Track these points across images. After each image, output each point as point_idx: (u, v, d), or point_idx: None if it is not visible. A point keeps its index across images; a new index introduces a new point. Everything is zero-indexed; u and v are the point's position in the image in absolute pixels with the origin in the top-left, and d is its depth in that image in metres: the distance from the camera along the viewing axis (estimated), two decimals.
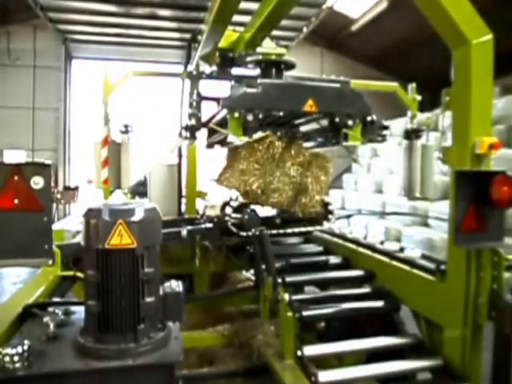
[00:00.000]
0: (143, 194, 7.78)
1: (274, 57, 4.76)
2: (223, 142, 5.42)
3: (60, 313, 2.61)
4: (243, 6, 4.21)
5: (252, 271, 4.78)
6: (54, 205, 17.08)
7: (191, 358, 4.40)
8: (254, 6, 4.51)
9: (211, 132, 5.27)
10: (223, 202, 5.13)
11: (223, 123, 4.46)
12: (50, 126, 20.81)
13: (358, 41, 20.83)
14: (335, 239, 5.00)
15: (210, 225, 4.75)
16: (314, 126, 5.04)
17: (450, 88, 3.12)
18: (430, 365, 3.29)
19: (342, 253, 4.69)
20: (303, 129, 5.20)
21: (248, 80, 4.33)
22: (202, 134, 5.27)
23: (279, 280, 3.76)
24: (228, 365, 4.01)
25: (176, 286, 2.45)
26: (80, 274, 3.56)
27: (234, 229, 4.56)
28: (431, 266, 3.48)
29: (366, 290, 4.11)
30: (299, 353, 3.22)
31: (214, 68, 5.07)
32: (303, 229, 4.92)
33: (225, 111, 4.22)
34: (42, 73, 20.52)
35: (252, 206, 4.81)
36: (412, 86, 6.36)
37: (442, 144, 3.28)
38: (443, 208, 11.11)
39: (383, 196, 14.90)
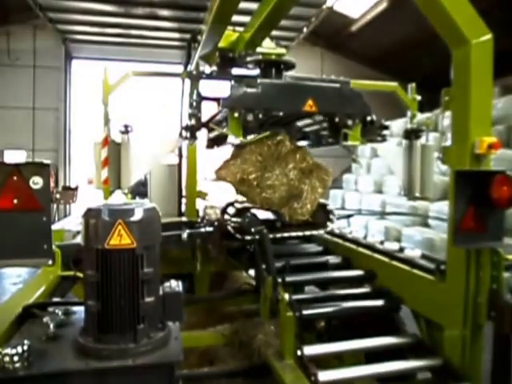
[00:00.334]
0: (143, 194, 7.78)
1: (273, 57, 4.75)
2: (223, 142, 5.41)
3: (60, 313, 2.61)
4: (243, 5, 4.21)
5: (252, 271, 4.77)
6: (54, 205, 17.09)
7: (191, 357, 4.40)
8: (254, 5, 4.51)
9: (211, 132, 5.27)
10: (224, 206, 5.12)
11: (223, 123, 4.46)
12: (50, 126, 20.81)
13: (358, 41, 20.82)
14: (335, 239, 5.00)
15: (210, 228, 4.75)
16: (313, 125, 5.03)
17: (449, 88, 3.12)
18: (429, 364, 3.29)
19: (342, 253, 4.69)
20: (303, 128, 5.20)
21: (248, 80, 4.33)
22: (203, 133, 5.27)
23: (279, 280, 3.76)
24: (228, 364, 4.01)
25: (176, 285, 2.45)
26: (80, 275, 3.56)
27: (234, 232, 4.56)
28: (431, 265, 3.49)
29: (366, 289, 4.11)
30: (299, 352, 3.22)
31: (214, 68, 5.06)
32: (303, 233, 4.91)
33: (225, 111, 4.22)
34: (42, 73, 20.51)
35: (252, 209, 4.81)
36: (412, 86, 6.35)
37: (441, 144, 3.28)
38: (443, 208, 11.13)
39: (383, 196, 14.89)
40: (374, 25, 18.19)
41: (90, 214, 2.25)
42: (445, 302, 3.18)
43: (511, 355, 2.94)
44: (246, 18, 4.74)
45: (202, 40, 4.83)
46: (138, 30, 18.33)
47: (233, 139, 4.53)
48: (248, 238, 4.38)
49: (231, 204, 5.11)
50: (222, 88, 4.69)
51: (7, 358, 2.03)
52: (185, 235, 4.55)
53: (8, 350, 2.04)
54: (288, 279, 3.98)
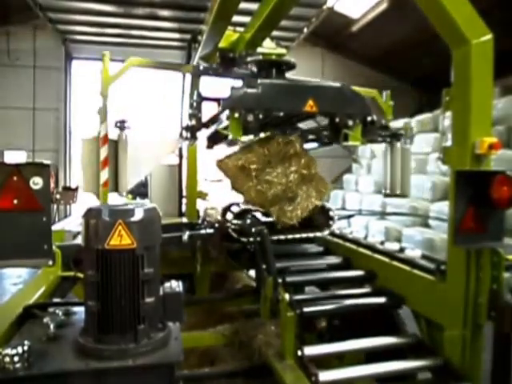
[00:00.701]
0: (144, 195, 7.77)
1: (274, 57, 4.75)
2: (223, 143, 5.41)
3: (60, 313, 2.61)
4: (243, 6, 4.22)
5: (252, 271, 4.77)
6: (54, 205, 17.09)
7: (192, 358, 4.40)
8: (254, 6, 4.51)
9: (211, 132, 5.26)
10: (224, 207, 5.12)
11: (224, 123, 4.46)
12: (50, 126, 20.80)
13: (358, 41, 20.81)
14: (335, 239, 5.00)
15: (210, 230, 4.75)
16: (313, 124, 5.03)
17: (450, 88, 3.12)
18: (430, 364, 3.29)
19: (343, 253, 4.69)
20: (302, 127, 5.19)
21: (248, 80, 4.32)
22: (203, 134, 5.26)
23: (280, 280, 3.75)
24: (228, 365, 4.01)
25: (176, 286, 2.45)
26: (80, 275, 3.56)
27: (234, 234, 4.55)
28: (431, 266, 3.48)
29: (366, 289, 4.11)
30: (300, 353, 3.22)
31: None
32: (303, 235, 4.90)
33: (225, 112, 4.21)
34: (42, 73, 20.51)
35: (252, 209, 4.80)
36: (387, 93, 6.36)
37: (442, 144, 3.28)
38: (443, 208, 11.14)
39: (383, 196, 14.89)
40: (375, 25, 18.18)
41: (91, 215, 2.26)
42: (445, 302, 3.18)
43: (511, 355, 2.94)
44: (246, 19, 4.74)
45: (203, 40, 4.83)
46: (138, 30, 18.32)
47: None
48: (249, 239, 4.38)
49: (231, 206, 5.11)
50: (223, 88, 4.69)
51: (7, 359, 2.03)
52: (185, 237, 4.55)
53: (8, 351, 2.04)
54: (288, 279, 3.97)
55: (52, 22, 17.65)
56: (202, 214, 5.99)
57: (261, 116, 4.06)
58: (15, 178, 2.39)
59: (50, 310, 2.72)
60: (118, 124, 6.20)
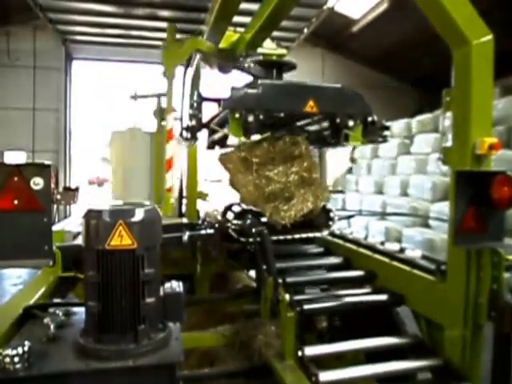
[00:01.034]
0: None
1: (274, 57, 4.75)
2: (224, 143, 5.41)
3: (60, 314, 2.61)
4: (244, 6, 4.22)
5: (252, 272, 4.77)
6: (55, 206, 17.09)
7: (192, 358, 4.40)
8: (255, 6, 4.51)
9: (212, 132, 5.26)
10: (224, 208, 5.11)
11: (224, 124, 4.45)
12: (50, 126, 20.83)
13: (358, 42, 20.83)
14: (336, 240, 4.99)
15: (210, 231, 4.75)
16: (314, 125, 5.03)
17: (450, 88, 3.12)
18: (430, 364, 3.29)
19: (343, 253, 4.69)
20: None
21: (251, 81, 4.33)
22: (203, 134, 5.26)
23: (280, 280, 3.75)
24: (229, 365, 4.01)
25: (176, 286, 2.45)
26: (80, 276, 3.56)
27: (235, 235, 4.55)
28: (431, 266, 3.48)
29: (366, 290, 4.11)
30: (300, 353, 3.22)
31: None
32: (303, 235, 4.90)
33: (226, 112, 4.21)
34: (42, 73, 20.54)
35: (253, 210, 4.80)
36: None
37: (442, 145, 3.28)
38: (443, 208, 11.15)
39: (383, 197, 14.91)
40: (375, 25, 18.21)
41: (91, 215, 2.26)
42: (445, 302, 3.18)
43: (511, 355, 2.94)
44: (246, 19, 4.74)
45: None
46: (139, 30, 18.35)
47: (234, 140, 4.52)
48: (249, 240, 4.37)
49: (232, 206, 5.11)
50: (223, 89, 4.69)
51: (8, 359, 2.03)
52: (185, 237, 4.54)
53: (8, 351, 2.05)
54: (288, 280, 3.97)
55: (52, 23, 17.67)
56: (202, 214, 5.98)
57: (261, 116, 4.06)
58: (16, 179, 2.39)
59: (51, 310, 2.72)
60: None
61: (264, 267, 3.93)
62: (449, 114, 3.14)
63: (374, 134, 4.53)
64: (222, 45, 4.77)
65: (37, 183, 2.41)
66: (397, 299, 3.80)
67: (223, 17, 4.06)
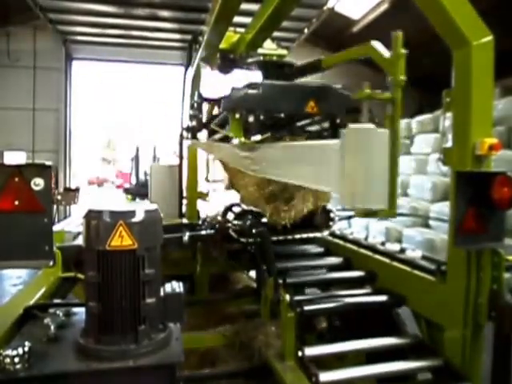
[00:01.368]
0: (144, 196, 7.75)
1: (275, 58, 4.75)
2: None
3: (61, 314, 2.62)
4: (244, 7, 4.22)
5: (253, 272, 4.77)
6: (55, 206, 17.09)
7: (193, 358, 4.40)
8: (255, 7, 4.51)
9: (212, 133, 5.27)
10: (225, 208, 5.11)
11: (224, 124, 4.46)
12: (50, 127, 20.82)
13: (359, 42, 20.70)
14: (336, 240, 4.99)
15: (211, 231, 4.75)
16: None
17: (450, 89, 3.12)
18: (430, 365, 3.29)
19: (343, 254, 4.69)
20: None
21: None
22: (203, 135, 5.27)
23: (280, 281, 3.76)
24: (229, 366, 4.01)
25: (177, 286, 2.46)
26: (81, 276, 3.57)
27: (235, 235, 4.55)
28: (432, 266, 3.48)
29: (367, 290, 4.10)
30: (300, 353, 3.22)
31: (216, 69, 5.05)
32: (304, 235, 4.90)
33: (226, 112, 4.21)
34: (43, 74, 20.54)
35: (253, 210, 4.80)
36: (397, 35, 4.74)
37: (442, 145, 3.28)
38: (444, 209, 11.14)
39: None
40: (375, 26, 18.18)
41: (91, 216, 2.26)
42: (445, 302, 3.18)
43: (511, 355, 2.94)
44: (247, 19, 4.74)
45: (204, 41, 4.84)
46: (139, 31, 18.33)
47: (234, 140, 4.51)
48: (249, 240, 4.37)
49: (232, 206, 5.11)
50: (223, 89, 4.69)
51: (8, 360, 2.04)
52: (186, 238, 4.54)
53: (9, 352, 2.05)
54: (289, 280, 3.98)
55: (52, 23, 17.66)
56: (202, 215, 5.99)
57: (261, 117, 4.06)
58: (16, 179, 2.39)
59: (51, 310, 2.72)
60: None
61: (264, 267, 3.94)
62: (449, 114, 3.14)
63: None
64: (222, 45, 4.77)
65: (37, 184, 2.41)
66: (397, 300, 3.80)
67: (223, 17, 4.06)
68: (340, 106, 4.28)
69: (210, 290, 5.44)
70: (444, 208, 11.19)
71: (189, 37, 6.27)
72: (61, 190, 18.44)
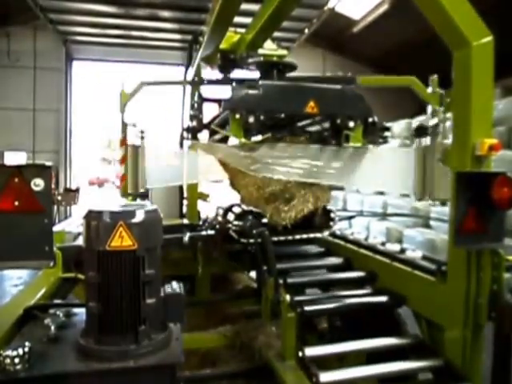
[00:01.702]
0: (144, 196, 7.73)
1: (275, 58, 4.76)
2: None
3: (61, 314, 2.61)
4: (244, 7, 4.22)
5: (253, 272, 4.77)
6: (55, 206, 17.10)
7: (193, 359, 4.40)
8: (256, 7, 4.51)
9: (213, 133, 5.27)
10: (225, 209, 5.11)
11: (224, 124, 4.46)
12: (50, 127, 20.86)
13: (359, 42, 20.84)
14: (336, 240, 4.99)
15: (211, 232, 4.75)
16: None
17: (450, 89, 3.13)
18: (430, 365, 3.29)
19: (344, 254, 4.69)
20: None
21: (249, 81, 4.33)
22: (204, 135, 5.26)
23: (280, 281, 3.76)
24: (229, 366, 4.01)
25: (177, 287, 2.46)
26: (81, 276, 3.56)
27: (235, 236, 4.55)
28: (432, 266, 3.48)
29: (367, 290, 4.10)
30: (300, 354, 3.22)
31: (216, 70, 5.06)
32: (304, 236, 4.90)
33: (226, 113, 4.21)
34: (43, 74, 20.57)
35: (253, 211, 4.80)
36: (433, 78, 5.46)
37: (442, 145, 3.28)
38: (444, 209, 11.14)
39: (385, 197, 14.90)
40: (375, 26, 18.23)
41: (91, 216, 2.26)
42: (446, 302, 3.18)
43: (511, 356, 2.94)
44: (247, 20, 4.75)
45: (204, 41, 4.84)
46: (139, 31, 18.36)
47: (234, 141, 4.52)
48: (250, 240, 4.37)
49: (232, 207, 5.11)
50: (224, 89, 4.69)
51: (8, 360, 2.03)
52: (186, 238, 4.54)
53: (9, 352, 2.04)
54: (289, 280, 3.98)
55: (52, 23, 17.69)
56: (203, 215, 5.98)
57: (262, 117, 4.06)
58: (16, 180, 2.39)
59: (51, 311, 2.72)
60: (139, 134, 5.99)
61: (265, 268, 3.94)
62: (449, 114, 3.15)
63: (374, 134, 4.53)
64: (222, 45, 4.77)
65: (37, 184, 2.41)
66: (397, 300, 3.80)
67: (224, 17, 4.06)
68: (354, 108, 4.33)
69: (211, 290, 5.44)
70: (445, 208, 11.19)
71: (189, 37, 6.27)
72: (61, 190, 18.46)
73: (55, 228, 5.74)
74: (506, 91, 12.65)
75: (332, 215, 5.03)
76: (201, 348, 4.40)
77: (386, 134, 4.72)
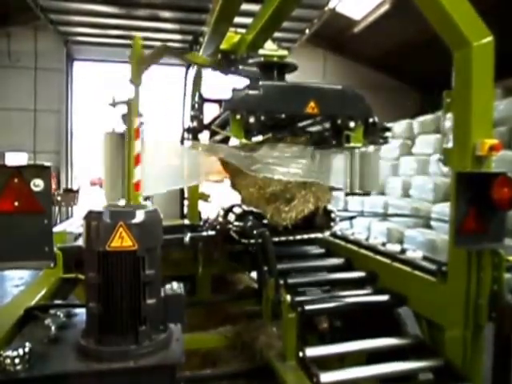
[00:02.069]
0: (146, 197, 7.72)
1: (275, 59, 4.75)
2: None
3: (61, 315, 2.62)
4: (245, 7, 4.21)
5: (254, 273, 4.77)
6: (56, 207, 17.11)
7: (194, 359, 4.40)
8: (256, 7, 4.51)
9: (213, 134, 5.26)
10: (225, 209, 5.11)
11: (225, 125, 4.45)
12: (51, 128, 20.85)
13: (360, 43, 20.83)
14: (337, 241, 4.99)
15: (212, 232, 4.74)
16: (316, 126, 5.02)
17: (451, 90, 3.12)
18: (431, 365, 3.29)
19: (344, 254, 4.69)
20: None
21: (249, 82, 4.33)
22: (204, 135, 5.26)
23: (281, 282, 3.76)
24: (230, 366, 4.01)
25: (177, 287, 2.46)
26: (81, 277, 3.57)
27: (236, 236, 4.55)
28: (432, 267, 3.48)
29: (367, 291, 4.10)
30: (301, 354, 3.22)
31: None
32: (305, 236, 4.90)
33: (227, 113, 4.21)
34: (44, 75, 20.57)
35: (254, 211, 4.80)
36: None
37: (443, 146, 3.28)
38: (444, 209, 11.15)
39: (385, 197, 14.90)
40: (376, 26, 18.22)
41: (92, 216, 2.26)
42: (446, 303, 3.18)
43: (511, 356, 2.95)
44: (247, 20, 4.74)
45: (204, 42, 4.83)
46: (140, 31, 18.32)
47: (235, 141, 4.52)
48: (250, 241, 4.37)
49: (233, 207, 5.11)
50: (224, 90, 4.69)
51: (8, 360, 2.03)
52: (187, 239, 4.54)
53: (9, 352, 2.05)
54: (290, 281, 3.99)
55: (53, 24, 17.68)
56: (203, 216, 5.98)
57: (262, 118, 4.06)
58: (16, 180, 2.39)
59: (52, 311, 2.72)
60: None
61: (265, 268, 3.94)
62: (449, 115, 3.15)
63: (374, 135, 4.53)
64: (223, 46, 4.77)
65: (37, 185, 2.41)
66: (398, 300, 3.80)
67: (224, 18, 4.05)
68: (354, 108, 4.32)
69: (212, 290, 5.44)
70: (445, 209, 11.19)
71: (189, 37, 6.25)
72: (61, 191, 18.47)
73: (56, 228, 5.75)
74: (506, 92, 12.65)
75: (333, 215, 5.03)
76: (201, 348, 4.40)
77: (388, 134, 4.72)
